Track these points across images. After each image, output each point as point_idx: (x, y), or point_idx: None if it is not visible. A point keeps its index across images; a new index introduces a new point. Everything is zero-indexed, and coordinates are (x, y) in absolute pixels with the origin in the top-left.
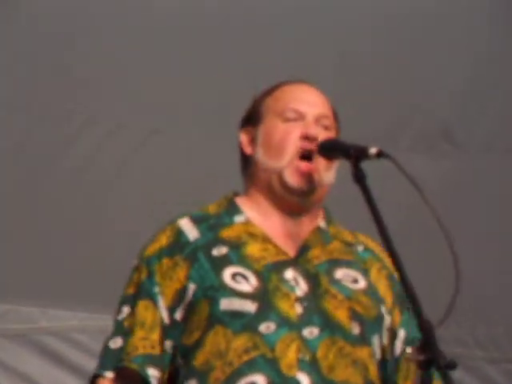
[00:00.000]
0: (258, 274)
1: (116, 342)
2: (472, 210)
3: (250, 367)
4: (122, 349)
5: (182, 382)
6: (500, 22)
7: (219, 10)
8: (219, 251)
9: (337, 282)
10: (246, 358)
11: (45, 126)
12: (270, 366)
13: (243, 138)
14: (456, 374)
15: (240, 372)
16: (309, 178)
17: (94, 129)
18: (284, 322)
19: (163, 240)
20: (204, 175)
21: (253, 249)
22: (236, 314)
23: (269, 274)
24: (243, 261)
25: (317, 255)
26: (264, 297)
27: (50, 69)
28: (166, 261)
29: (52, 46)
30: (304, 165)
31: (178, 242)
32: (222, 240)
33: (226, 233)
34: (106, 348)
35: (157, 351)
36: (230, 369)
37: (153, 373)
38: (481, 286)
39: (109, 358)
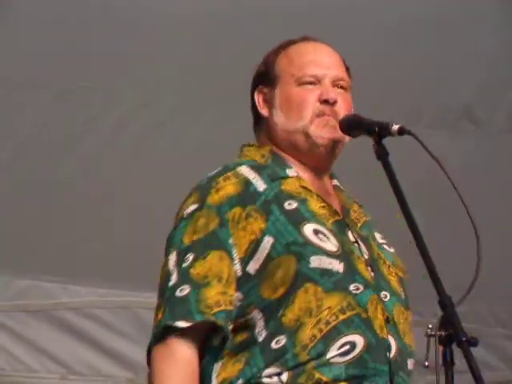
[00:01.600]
0: (332, 233)
1: (183, 291)
2: (492, 187)
3: (347, 326)
4: (195, 299)
5: (263, 338)
6: None
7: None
8: (290, 205)
9: (381, 247)
10: (342, 317)
11: (67, 105)
12: (366, 326)
13: (258, 98)
14: (477, 352)
15: (338, 331)
16: (333, 130)
17: (115, 108)
18: (367, 283)
19: (230, 188)
20: (219, 152)
21: (315, 206)
22: (326, 273)
23: (340, 234)
24: (314, 217)
25: (355, 217)
26: (346, 257)
27: (73, 49)
28: (237, 210)
29: (76, 27)
30: (325, 119)
31: (248, 191)
32: (287, 193)
33: (288, 186)
34: (171, 297)
35: (233, 308)
36: (326, 327)
37: (230, 330)
38: (502, 265)
39: (179, 307)
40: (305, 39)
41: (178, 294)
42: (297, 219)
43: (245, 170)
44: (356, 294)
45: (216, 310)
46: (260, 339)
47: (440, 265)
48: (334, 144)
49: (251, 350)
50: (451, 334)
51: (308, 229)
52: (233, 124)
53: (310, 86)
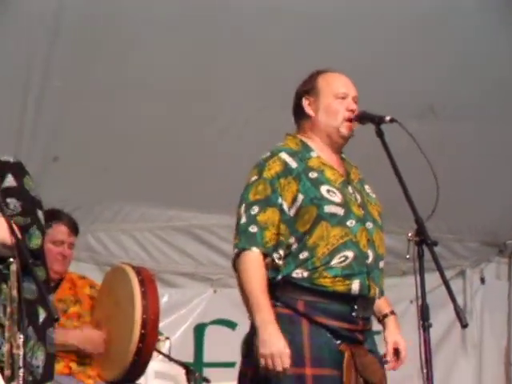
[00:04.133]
0: (339, 190)
1: (253, 228)
2: (446, 157)
3: (344, 246)
4: (260, 236)
5: (295, 253)
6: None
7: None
8: (313, 175)
9: (368, 194)
10: (341, 241)
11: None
12: (355, 245)
13: (305, 102)
14: (437, 249)
15: (338, 249)
16: (351, 131)
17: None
18: (358, 219)
19: (277, 167)
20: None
21: (328, 173)
22: (333, 215)
23: (343, 189)
24: (328, 181)
25: (353, 177)
26: (346, 204)
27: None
28: (282, 180)
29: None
30: (350, 124)
31: (287, 168)
32: (311, 168)
33: (311, 163)
34: (246, 231)
35: (278, 240)
36: (332, 247)
37: (278, 254)
38: (451, 196)
39: (251, 239)
40: (332, 70)
41: (250, 229)
42: (316, 183)
43: (284, 155)
44: (350, 227)
45: (270, 244)
46: (294, 253)
47: (415, 197)
48: (349, 138)
49: (289, 258)
50: (422, 239)
51: (323, 189)
52: None
53: (341, 100)
